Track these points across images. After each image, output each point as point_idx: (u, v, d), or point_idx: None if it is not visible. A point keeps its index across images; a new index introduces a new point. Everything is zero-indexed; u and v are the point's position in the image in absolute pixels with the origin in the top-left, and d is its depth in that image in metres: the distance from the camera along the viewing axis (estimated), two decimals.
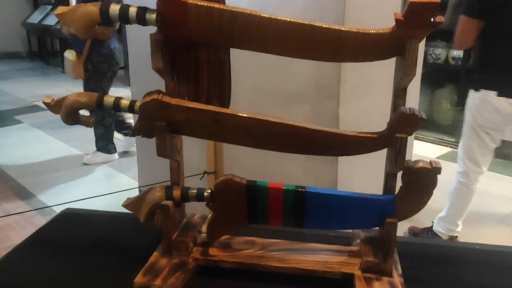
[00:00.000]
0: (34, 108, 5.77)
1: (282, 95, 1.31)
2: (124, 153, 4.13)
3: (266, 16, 0.76)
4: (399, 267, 0.84)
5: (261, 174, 1.54)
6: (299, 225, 0.85)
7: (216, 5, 0.76)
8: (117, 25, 3.31)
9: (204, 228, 0.93)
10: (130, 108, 0.83)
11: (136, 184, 3.16)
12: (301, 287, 0.84)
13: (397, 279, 0.81)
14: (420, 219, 2.72)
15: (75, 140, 4.33)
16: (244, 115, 0.82)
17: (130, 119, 4.17)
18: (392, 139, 0.78)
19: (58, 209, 3.06)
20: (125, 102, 0.84)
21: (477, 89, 2.31)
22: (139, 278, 0.81)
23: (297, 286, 0.84)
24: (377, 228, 0.87)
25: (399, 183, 0.81)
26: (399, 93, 0.79)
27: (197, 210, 0.96)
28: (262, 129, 0.82)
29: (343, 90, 1.19)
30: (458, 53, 4.31)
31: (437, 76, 4.45)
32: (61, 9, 0.80)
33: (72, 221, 1.10)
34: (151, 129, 0.83)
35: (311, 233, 0.96)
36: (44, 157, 4.10)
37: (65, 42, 6.89)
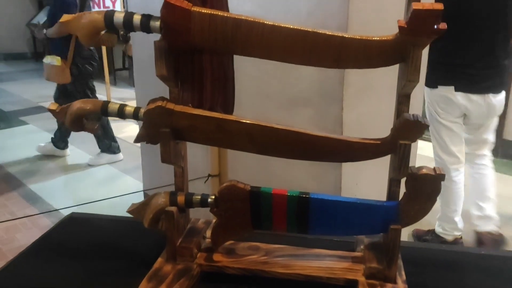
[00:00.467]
0: (39, 109, 5.81)
1: (286, 99, 1.31)
2: (129, 155, 4.14)
3: (270, 23, 0.76)
4: (403, 273, 0.84)
5: (265, 176, 1.54)
6: (303, 231, 0.86)
7: (220, 13, 0.76)
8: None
9: (208, 233, 0.94)
10: (135, 115, 0.84)
11: (141, 186, 3.17)
12: None
13: (401, 286, 0.81)
14: (425, 221, 2.71)
15: (81, 141, 4.35)
16: (248, 121, 0.82)
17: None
18: (396, 146, 0.78)
19: (63, 211, 3.09)
20: (129, 109, 0.84)
21: (435, 86, 2.40)
22: (143, 285, 0.82)
23: None
24: (381, 233, 0.87)
25: (402, 189, 0.81)
26: (403, 100, 0.79)
27: (201, 211, 0.96)
28: (266, 135, 0.82)
29: (347, 94, 1.19)
30: None
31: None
32: (66, 17, 0.80)
33: (77, 225, 1.10)
34: (155, 136, 0.84)
35: (315, 238, 0.96)
36: (49, 158, 4.13)
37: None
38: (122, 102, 0.85)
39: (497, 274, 0.91)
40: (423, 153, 3.97)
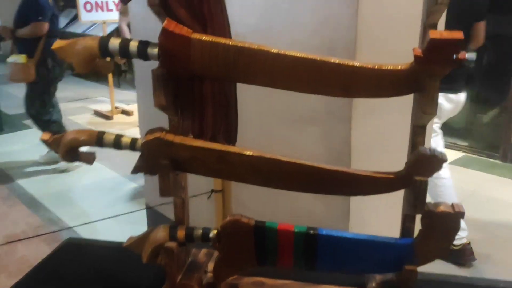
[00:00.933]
0: None
1: (292, 117, 1.26)
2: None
3: (274, 51, 0.71)
4: None
5: (270, 193, 1.49)
6: (311, 268, 0.81)
7: (222, 40, 0.71)
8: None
9: (210, 267, 0.89)
10: (132, 146, 0.79)
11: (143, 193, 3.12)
12: None
13: None
14: None
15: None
16: (251, 153, 0.77)
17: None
18: (410, 180, 0.72)
19: (66, 219, 3.05)
20: (126, 140, 0.79)
21: None
22: None
23: None
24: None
25: (417, 224, 0.76)
26: (418, 131, 0.74)
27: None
28: (270, 168, 0.77)
29: (356, 114, 1.14)
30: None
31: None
32: (59, 43, 0.76)
33: (74, 253, 1.06)
34: (154, 167, 0.79)
35: (323, 273, 0.91)
36: (53, 165, 4.09)
37: None
38: (118, 133, 0.80)
39: None
40: None
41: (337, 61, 0.70)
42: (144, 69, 2.64)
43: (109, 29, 5.91)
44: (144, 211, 2.76)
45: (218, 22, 0.75)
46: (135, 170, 0.81)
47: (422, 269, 0.76)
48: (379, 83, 0.71)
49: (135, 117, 5.02)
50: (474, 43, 2.52)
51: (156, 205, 2.29)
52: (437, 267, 0.85)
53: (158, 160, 0.78)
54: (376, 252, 0.78)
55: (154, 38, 0.73)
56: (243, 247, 0.81)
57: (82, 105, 6.29)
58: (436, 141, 2.58)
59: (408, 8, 1.19)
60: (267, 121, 1.32)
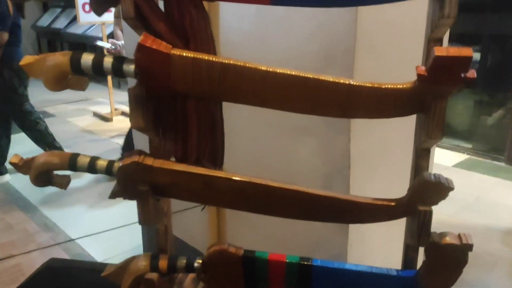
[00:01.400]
0: (43, 115, 5.72)
1: (288, 127, 1.20)
2: None
3: (263, 68, 0.64)
4: None
5: None
6: None
7: (205, 56, 0.65)
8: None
9: None
10: (108, 171, 0.72)
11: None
12: None
13: None
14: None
15: (86, 149, 4.26)
16: (239, 178, 0.70)
17: None
18: (413, 208, 0.66)
19: (61, 225, 3.00)
20: (102, 163, 0.73)
21: None
22: None
23: None
24: None
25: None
26: (421, 154, 0.67)
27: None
28: (261, 194, 0.71)
29: (355, 125, 1.07)
30: (474, 56, 4.13)
31: None
32: (27, 59, 0.69)
33: (54, 278, 1.00)
34: (133, 193, 0.73)
35: None
36: None
37: (74, 46, 6.79)
38: (93, 155, 0.74)
39: None
40: (435, 161, 3.84)
41: (331, 79, 0.63)
42: None
43: (108, 30, 5.85)
44: None
45: (202, 37, 0.68)
46: (113, 195, 0.74)
47: None
48: (379, 103, 0.64)
49: None
50: None
51: None
52: None
53: (137, 185, 0.71)
54: (376, 285, 0.71)
55: None
56: (230, 278, 0.75)
57: (81, 107, 6.23)
58: None
59: (411, 12, 1.12)
60: (262, 132, 1.26)
